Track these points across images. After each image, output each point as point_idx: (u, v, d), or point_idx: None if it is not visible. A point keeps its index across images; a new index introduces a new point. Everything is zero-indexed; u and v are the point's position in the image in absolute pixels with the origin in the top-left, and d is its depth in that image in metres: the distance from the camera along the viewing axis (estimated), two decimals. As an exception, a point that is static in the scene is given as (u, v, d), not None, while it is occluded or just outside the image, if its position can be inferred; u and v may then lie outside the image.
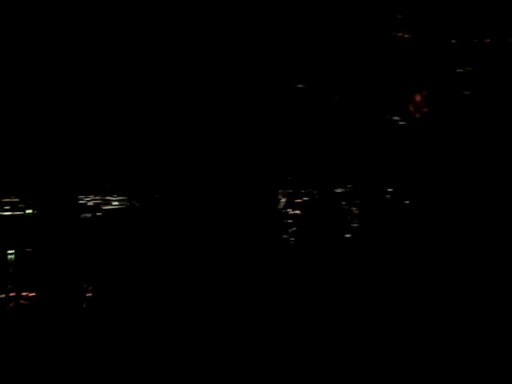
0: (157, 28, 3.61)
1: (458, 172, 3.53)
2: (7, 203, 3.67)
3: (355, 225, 3.56)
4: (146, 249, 3.64)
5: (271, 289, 3.53)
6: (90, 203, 3.82)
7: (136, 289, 3.55)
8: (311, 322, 3.43)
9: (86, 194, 3.81)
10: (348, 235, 3.54)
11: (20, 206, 3.69)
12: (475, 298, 3.32)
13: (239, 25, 3.63)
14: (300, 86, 3.58)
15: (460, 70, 3.52)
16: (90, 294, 3.53)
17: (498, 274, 3.42)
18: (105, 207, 3.82)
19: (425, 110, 3.47)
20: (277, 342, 3.31)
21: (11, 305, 3.49)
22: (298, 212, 3.58)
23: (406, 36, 3.63)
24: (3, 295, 3.49)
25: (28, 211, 3.73)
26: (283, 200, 3.59)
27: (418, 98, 3.48)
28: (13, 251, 3.64)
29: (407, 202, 3.55)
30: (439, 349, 3.21)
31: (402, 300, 3.41)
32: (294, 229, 3.61)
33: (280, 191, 3.59)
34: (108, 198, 3.82)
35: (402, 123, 3.56)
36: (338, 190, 3.56)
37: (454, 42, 3.53)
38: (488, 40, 3.52)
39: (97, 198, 3.83)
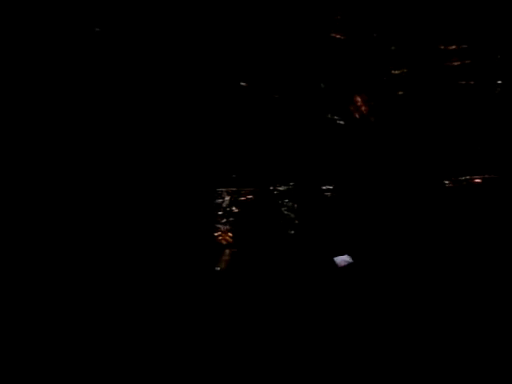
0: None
1: (394, 169, 3.67)
2: None
3: (297, 221, 3.64)
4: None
5: (207, 292, 3.54)
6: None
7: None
8: (249, 326, 3.47)
9: None
10: (292, 232, 3.60)
11: None
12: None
13: (178, 22, 3.61)
14: (243, 84, 3.61)
15: (396, 72, 3.66)
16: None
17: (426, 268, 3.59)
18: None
19: (364, 109, 3.58)
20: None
21: None
22: (242, 210, 3.61)
23: (342, 38, 3.73)
24: None
25: None
26: (227, 198, 3.61)
27: (357, 98, 3.59)
28: None
29: (347, 198, 3.66)
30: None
31: (345, 296, 3.52)
32: (236, 227, 3.64)
33: (224, 189, 3.61)
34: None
35: (341, 122, 3.66)
36: (281, 188, 3.63)
37: (390, 45, 3.67)
38: (421, 44, 3.69)
39: None
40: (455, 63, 3.71)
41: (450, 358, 3.26)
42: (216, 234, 3.61)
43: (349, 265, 3.55)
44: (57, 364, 3.13)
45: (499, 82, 3.73)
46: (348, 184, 3.67)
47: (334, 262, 3.55)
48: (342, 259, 3.53)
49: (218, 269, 3.56)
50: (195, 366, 3.27)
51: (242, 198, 3.62)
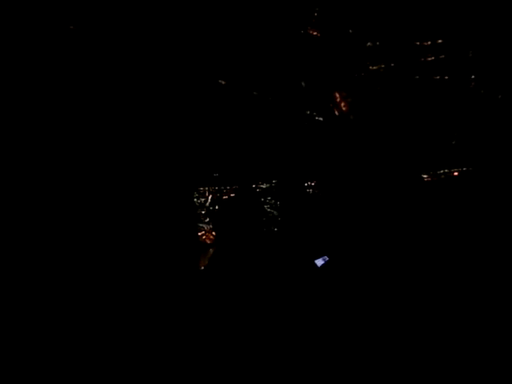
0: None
1: (375, 164, 3.71)
2: None
3: (280, 219, 3.64)
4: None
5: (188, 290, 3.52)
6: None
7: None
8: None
9: None
10: (275, 229, 3.61)
11: None
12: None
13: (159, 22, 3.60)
14: (222, 82, 3.61)
15: (373, 68, 3.71)
16: None
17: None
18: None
19: (343, 106, 3.61)
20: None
21: None
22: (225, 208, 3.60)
23: (318, 35, 3.76)
24: None
25: None
26: (210, 197, 3.61)
27: (336, 95, 3.62)
28: None
29: (328, 194, 3.68)
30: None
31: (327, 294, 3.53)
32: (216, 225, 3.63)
33: (206, 188, 3.60)
34: None
35: (320, 119, 3.69)
36: (264, 186, 3.63)
37: (367, 41, 3.72)
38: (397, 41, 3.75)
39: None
40: (430, 58, 3.77)
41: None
42: (200, 234, 3.60)
43: (327, 262, 3.56)
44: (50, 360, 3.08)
45: (473, 76, 3.80)
46: (329, 180, 3.70)
47: (314, 261, 3.56)
48: (322, 260, 3.55)
49: (203, 267, 3.54)
50: (180, 360, 3.25)
51: (225, 197, 3.61)
